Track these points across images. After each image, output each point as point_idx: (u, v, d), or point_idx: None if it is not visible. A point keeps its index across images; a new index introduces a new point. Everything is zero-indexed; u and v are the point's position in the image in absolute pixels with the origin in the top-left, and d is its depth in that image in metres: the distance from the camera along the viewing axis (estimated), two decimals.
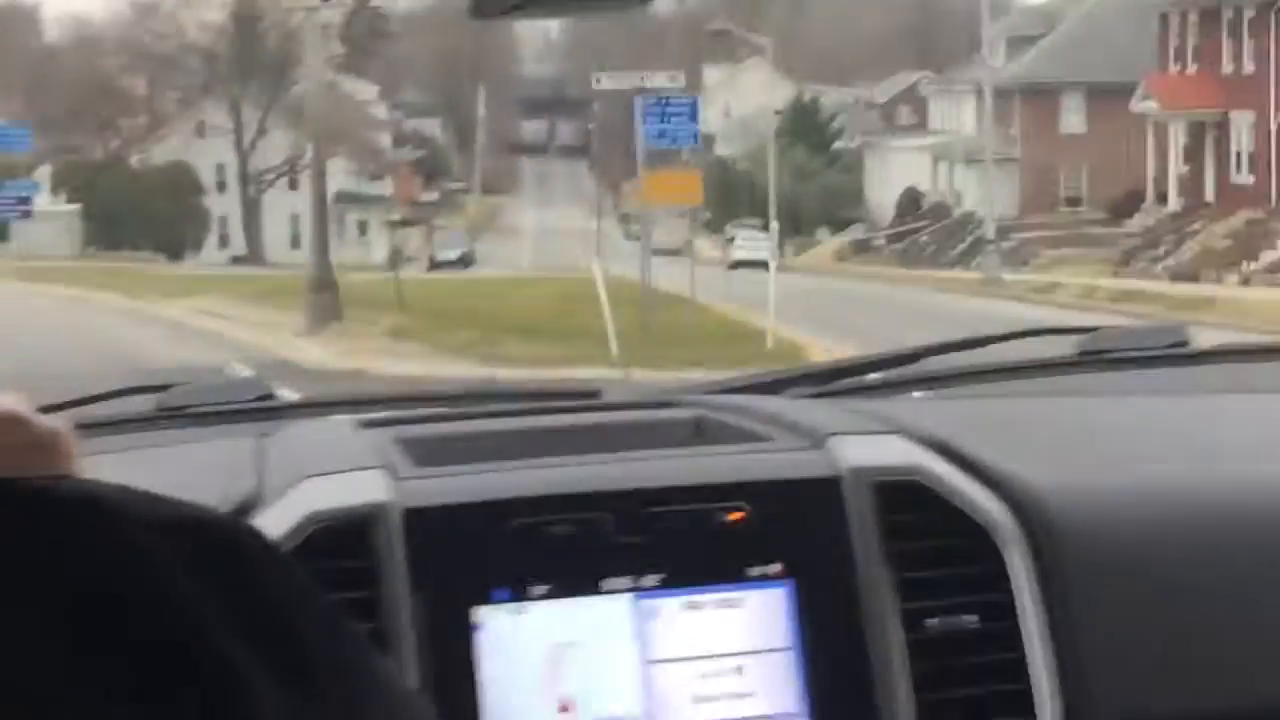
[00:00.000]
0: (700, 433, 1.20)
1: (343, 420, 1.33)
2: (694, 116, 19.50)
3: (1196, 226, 30.22)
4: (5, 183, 23.44)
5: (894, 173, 41.52)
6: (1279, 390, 1.37)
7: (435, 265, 37.02)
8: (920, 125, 47.02)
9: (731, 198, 40.89)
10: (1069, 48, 37.58)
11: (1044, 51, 38.59)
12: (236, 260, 40.14)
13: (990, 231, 29.64)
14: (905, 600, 1.00)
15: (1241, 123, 33.00)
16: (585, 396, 1.44)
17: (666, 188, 20.13)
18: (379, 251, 39.30)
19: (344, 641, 0.63)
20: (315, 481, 1.09)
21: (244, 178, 42.44)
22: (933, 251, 36.70)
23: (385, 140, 48.39)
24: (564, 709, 1.04)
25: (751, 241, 30.68)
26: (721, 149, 46.00)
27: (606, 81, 21.92)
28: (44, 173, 35.50)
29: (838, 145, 44.24)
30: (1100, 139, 38.02)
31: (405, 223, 39.09)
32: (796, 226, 36.71)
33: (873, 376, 1.30)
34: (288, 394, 1.50)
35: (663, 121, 19.00)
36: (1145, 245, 30.68)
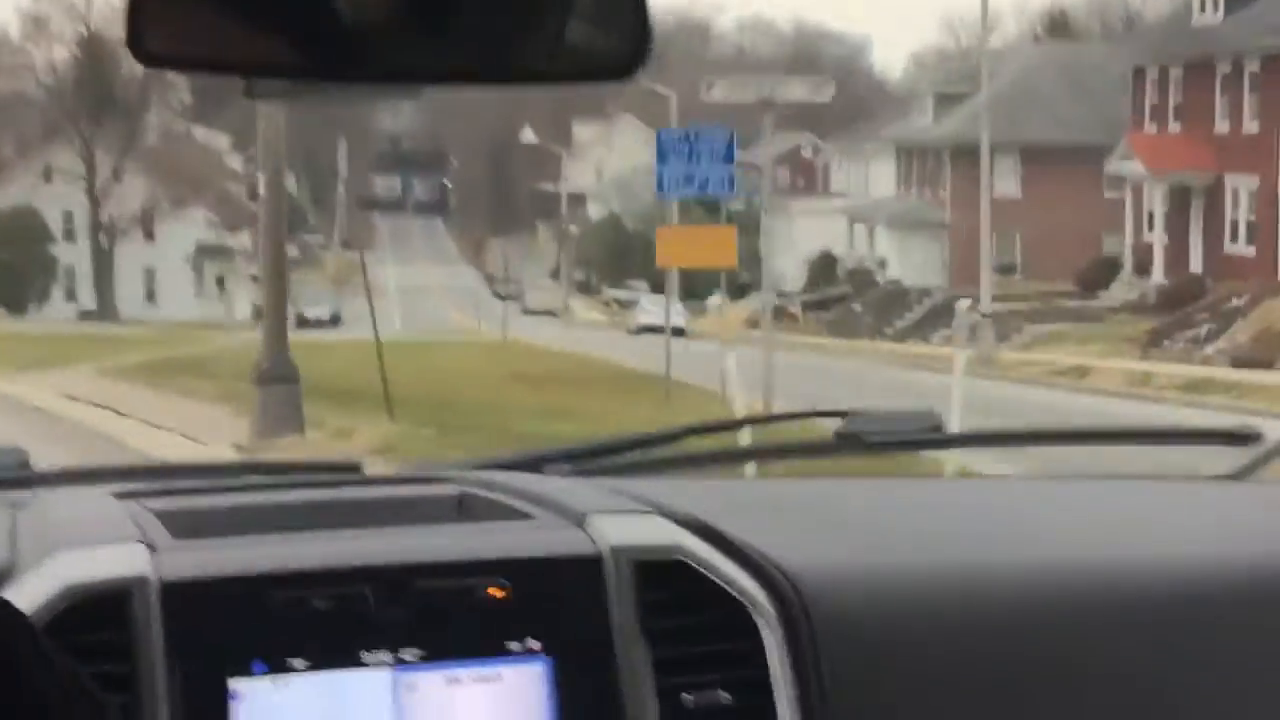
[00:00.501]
0: (463, 509, 1.23)
1: (100, 491, 1.33)
2: (730, 155, 15.07)
3: (1238, 303, 25.56)
4: None
5: (799, 236, 39.46)
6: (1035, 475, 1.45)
7: (303, 323, 33.43)
8: (808, 188, 46.91)
9: (620, 259, 40.12)
10: (1002, 106, 32.93)
11: (974, 110, 33.52)
12: (85, 315, 37.82)
13: (986, 303, 25.45)
14: (661, 677, 1.03)
15: (1240, 187, 29.55)
16: (346, 470, 1.45)
17: (693, 245, 16.35)
18: (240, 307, 37.41)
19: (84, 712, 0.63)
20: (71, 553, 1.08)
21: (95, 226, 40.17)
22: (870, 321, 33.33)
23: (240, 191, 46.96)
24: None
25: (657, 306, 27.83)
26: (594, 209, 45.55)
27: (719, 91, 16.64)
28: None
29: (735, 207, 42.88)
30: (1036, 203, 36.29)
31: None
32: (691, 290, 34.28)
33: (631, 456, 1.34)
34: (44, 464, 1.48)
35: (690, 161, 14.84)
36: (1177, 325, 26.02)
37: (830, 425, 1.37)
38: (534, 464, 1.31)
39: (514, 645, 1.04)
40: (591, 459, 1.33)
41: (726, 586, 1.05)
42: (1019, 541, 1.20)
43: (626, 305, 36.44)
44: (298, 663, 1.07)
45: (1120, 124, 34.19)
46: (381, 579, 1.07)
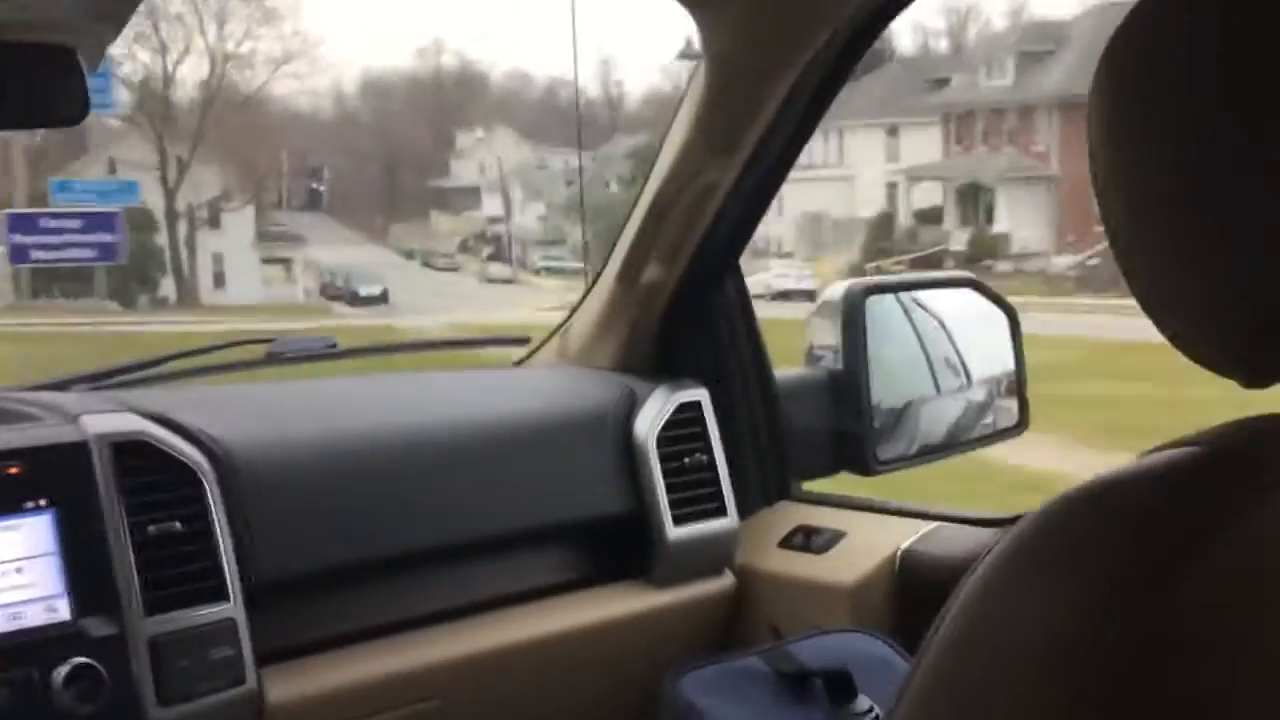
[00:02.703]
0: (2, 416, 1.61)
1: None
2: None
3: None
4: None
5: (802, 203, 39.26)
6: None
7: (355, 300, 33.96)
8: None
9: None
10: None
11: (1071, 65, 32.81)
12: (158, 304, 37.23)
13: None
14: (132, 517, 1.46)
15: None
16: None
17: None
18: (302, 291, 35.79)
19: None
20: None
21: (171, 213, 39.86)
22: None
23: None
24: None
25: (791, 269, 26.10)
26: (488, 204, 46.40)
27: None
28: None
29: None
30: None
31: None
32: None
33: (139, 373, 1.84)
34: None
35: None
36: None
37: None
38: (63, 385, 1.76)
39: (29, 504, 1.43)
40: (107, 378, 1.79)
41: (178, 456, 1.50)
42: (374, 413, 1.72)
43: (556, 272, 36.59)
44: None
45: None
46: None
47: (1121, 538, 0.65)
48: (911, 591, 1.80)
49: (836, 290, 2.00)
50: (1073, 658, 0.63)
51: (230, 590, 1.48)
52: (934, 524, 1.88)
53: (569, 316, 2.10)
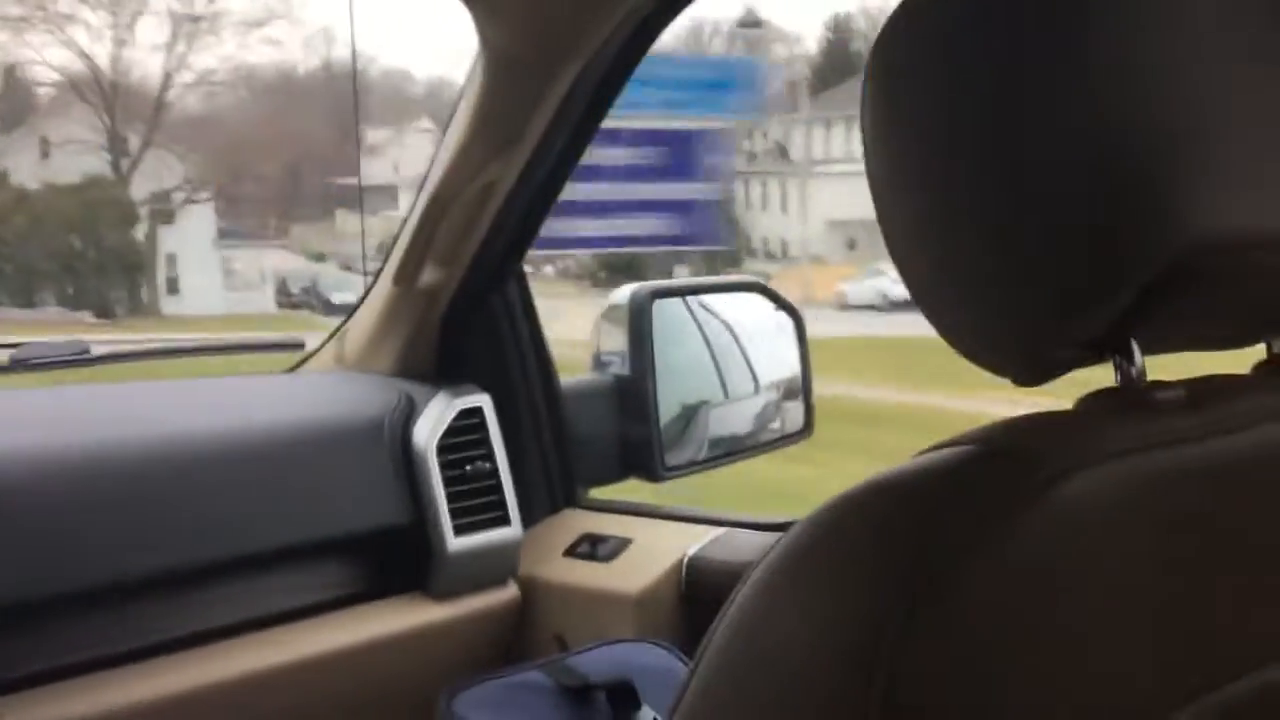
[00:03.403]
0: None
1: None
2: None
3: None
4: None
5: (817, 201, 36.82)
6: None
7: (330, 309, 29.97)
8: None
9: None
10: None
11: None
12: (101, 315, 33.60)
13: None
14: None
15: None
16: None
17: None
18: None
19: None
20: None
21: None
22: None
23: None
24: None
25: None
26: (405, 197, 45.37)
27: None
28: None
29: None
30: None
31: None
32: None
33: None
34: None
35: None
36: None
37: None
38: None
39: None
40: None
41: None
42: (127, 422, 1.62)
43: None
44: None
45: None
46: None
47: (895, 539, 0.62)
48: (697, 598, 1.77)
49: (622, 294, 1.96)
50: (844, 663, 0.60)
51: None
52: (720, 529, 1.86)
53: (345, 320, 2.01)
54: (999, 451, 0.66)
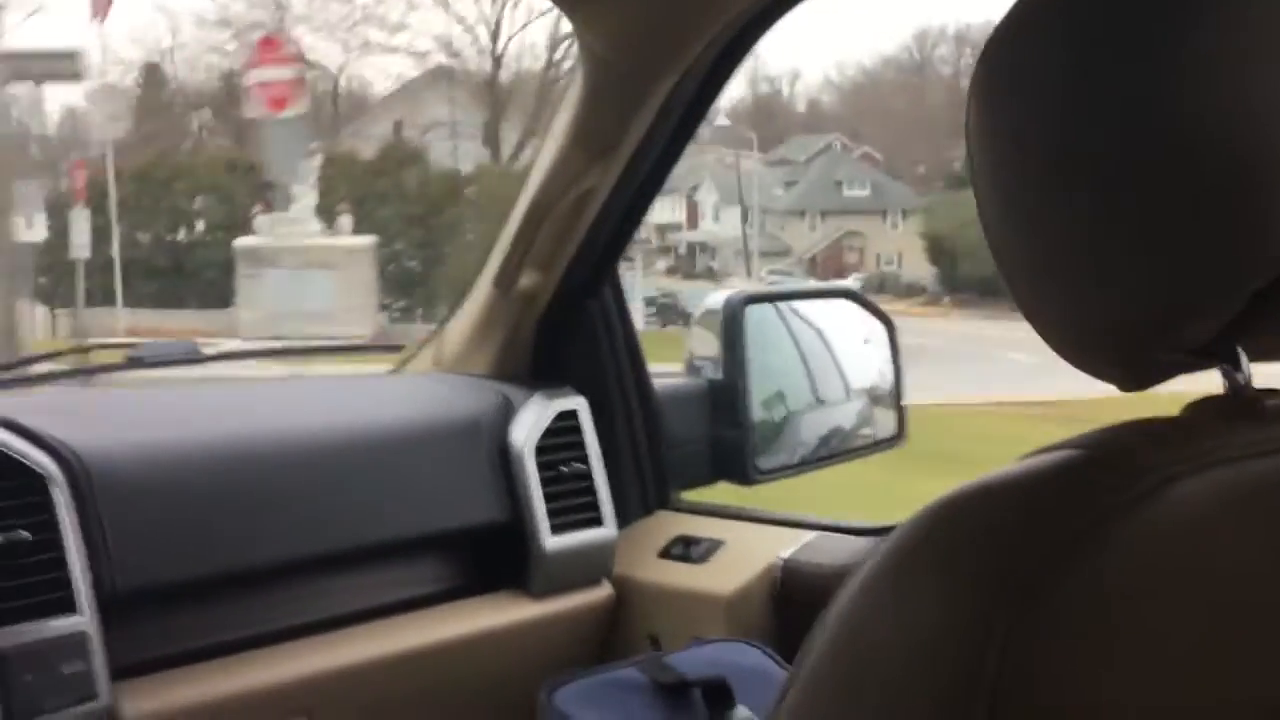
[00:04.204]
0: None
1: None
2: None
3: None
4: None
5: None
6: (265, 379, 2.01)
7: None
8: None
9: None
10: None
11: None
12: None
13: None
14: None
15: None
16: None
17: None
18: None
19: None
20: None
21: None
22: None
23: None
24: None
25: None
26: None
27: None
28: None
29: None
30: None
31: None
32: None
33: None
34: None
35: None
36: None
37: None
38: None
39: None
40: None
41: (24, 461, 1.43)
42: (241, 418, 1.67)
43: None
44: None
45: None
46: None
47: (1000, 541, 0.63)
48: (790, 601, 1.79)
49: (716, 299, 1.99)
50: (951, 666, 0.61)
51: (81, 602, 1.41)
52: (813, 533, 1.87)
53: (443, 323, 2.06)
54: (1105, 456, 0.67)
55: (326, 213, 19.56)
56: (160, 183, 23.31)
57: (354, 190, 22.05)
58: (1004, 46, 0.73)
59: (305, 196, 19.46)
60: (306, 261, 17.78)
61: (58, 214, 18.54)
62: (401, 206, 22.65)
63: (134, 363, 1.84)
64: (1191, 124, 0.66)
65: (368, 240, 19.27)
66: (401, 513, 1.70)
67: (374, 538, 1.68)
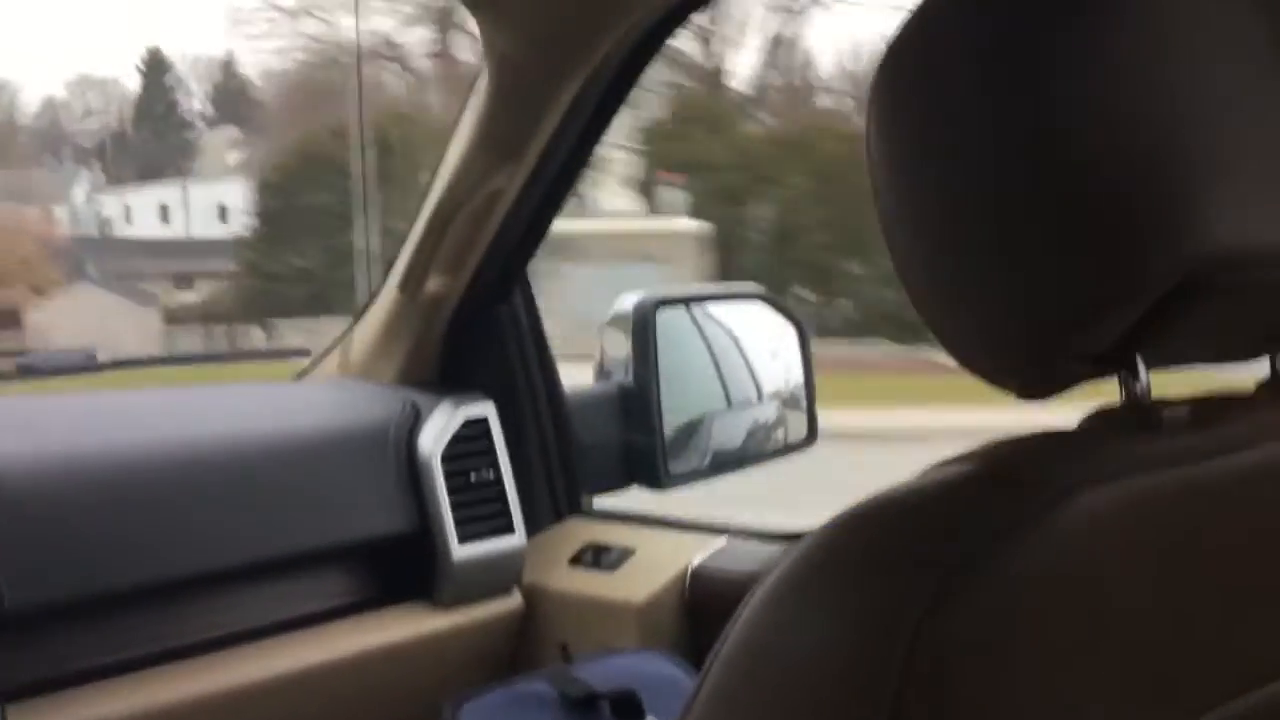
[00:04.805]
0: None
1: None
2: None
3: None
4: None
5: None
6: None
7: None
8: None
9: None
10: None
11: None
12: None
13: None
14: None
15: None
16: None
17: None
18: None
19: None
20: None
21: None
22: None
23: None
24: None
25: None
26: None
27: None
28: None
29: None
30: None
31: None
32: None
33: None
34: None
35: None
36: None
37: None
38: None
39: None
40: None
41: None
42: (138, 429, 1.62)
43: None
44: None
45: None
46: None
47: (903, 557, 0.63)
48: (701, 608, 1.78)
49: (627, 302, 1.97)
50: (854, 681, 0.61)
51: None
52: (725, 538, 1.86)
53: (350, 328, 2.02)
54: (1006, 470, 0.67)
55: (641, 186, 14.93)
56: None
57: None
58: (903, 56, 0.72)
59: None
60: (618, 253, 14.08)
61: None
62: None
63: (25, 371, 1.78)
64: (1094, 132, 0.65)
65: (693, 225, 14.76)
66: (304, 524, 1.66)
67: (276, 551, 1.64)
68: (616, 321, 1.97)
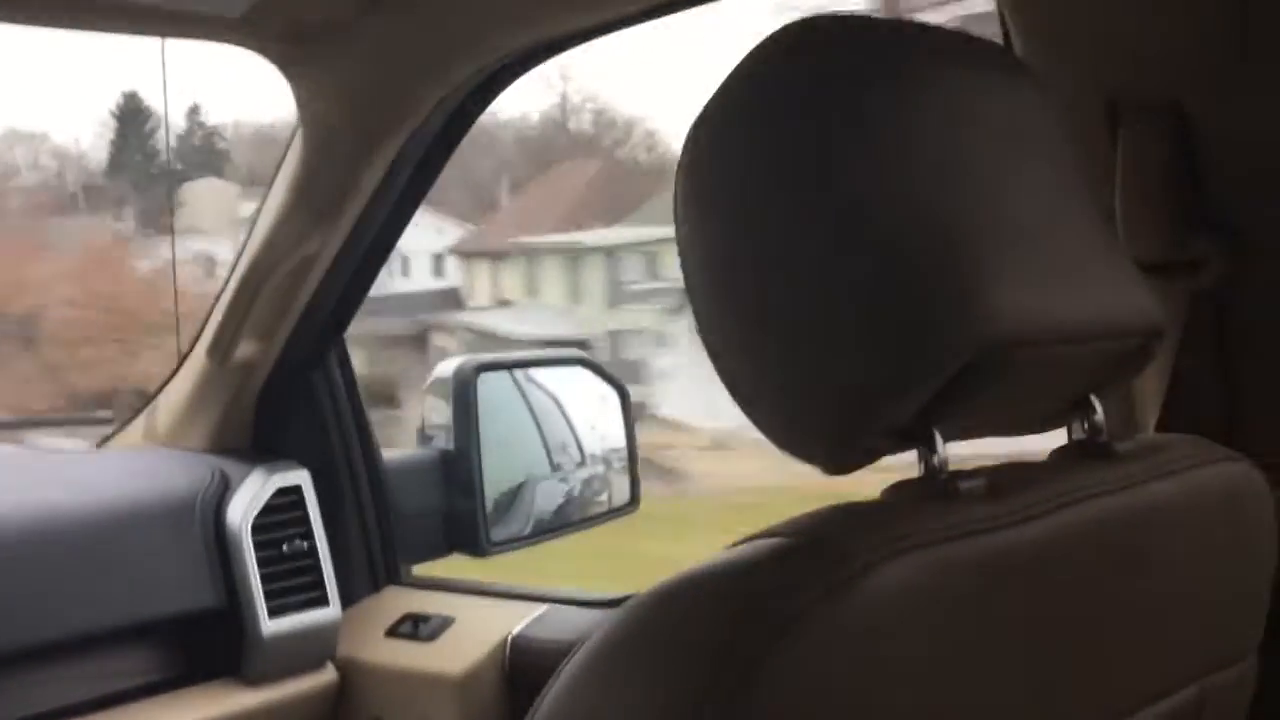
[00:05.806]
0: None
1: None
2: None
3: None
4: None
5: None
6: None
7: None
8: None
9: None
10: None
11: None
12: None
13: None
14: None
15: None
16: None
17: None
18: None
19: None
20: None
21: None
22: None
23: None
24: None
25: None
26: None
27: None
28: None
29: None
30: None
31: None
32: None
33: None
34: None
35: None
36: None
37: None
38: None
39: None
40: None
41: None
42: None
43: None
44: None
45: None
46: None
47: (713, 630, 0.63)
48: (521, 677, 1.75)
49: (447, 367, 1.94)
50: None
51: None
52: (545, 606, 1.83)
53: (155, 394, 1.95)
54: (809, 544, 0.67)
55: None
56: None
57: None
58: (710, 129, 0.73)
59: None
60: None
61: None
62: None
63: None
64: (890, 216, 0.66)
65: None
66: (105, 600, 1.59)
67: (75, 628, 1.56)
68: (435, 387, 1.94)
